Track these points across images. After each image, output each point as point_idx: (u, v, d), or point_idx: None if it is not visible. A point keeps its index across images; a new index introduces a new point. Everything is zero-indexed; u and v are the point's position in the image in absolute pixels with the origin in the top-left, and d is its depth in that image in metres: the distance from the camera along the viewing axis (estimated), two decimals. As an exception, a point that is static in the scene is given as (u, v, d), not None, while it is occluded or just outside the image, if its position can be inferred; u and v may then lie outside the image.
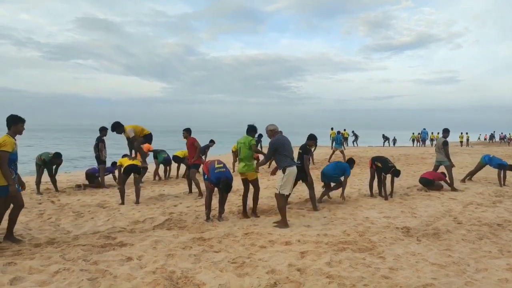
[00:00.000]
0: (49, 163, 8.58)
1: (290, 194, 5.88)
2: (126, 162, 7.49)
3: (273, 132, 5.95)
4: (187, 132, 8.36)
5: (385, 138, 35.88)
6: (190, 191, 8.69)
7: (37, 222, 5.86)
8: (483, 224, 5.88)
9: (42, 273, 3.54)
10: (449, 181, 9.06)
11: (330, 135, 17.57)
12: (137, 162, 7.57)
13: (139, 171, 7.59)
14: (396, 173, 8.03)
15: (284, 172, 5.61)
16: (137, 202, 7.45)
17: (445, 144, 9.33)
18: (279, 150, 5.70)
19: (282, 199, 5.70)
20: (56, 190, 8.79)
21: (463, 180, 10.30)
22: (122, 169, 7.43)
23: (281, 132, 6.56)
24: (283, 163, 5.65)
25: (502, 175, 9.89)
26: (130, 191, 8.90)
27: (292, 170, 5.70)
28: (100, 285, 3.35)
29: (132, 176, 7.53)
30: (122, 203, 7.33)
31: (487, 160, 10.31)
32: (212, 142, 13.35)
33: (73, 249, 4.33)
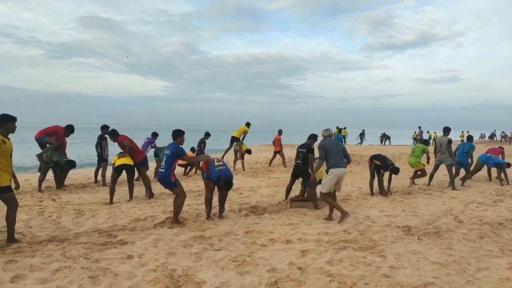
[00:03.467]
0: (60, 166, 8.53)
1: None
2: (118, 161, 7.48)
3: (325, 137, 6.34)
4: (113, 135, 7.96)
5: (386, 137, 35.77)
6: (151, 195, 7.97)
7: (38, 220, 5.87)
8: (484, 223, 5.88)
9: (43, 271, 3.55)
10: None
11: (334, 133, 17.64)
12: (129, 161, 7.56)
13: (131, 169, 7.59)
14: (395, 170, 8.11)
15: (327, 172, 6.05)
16: (130, 198, 7.59)
17: (450, 142, 9.21)
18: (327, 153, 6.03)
19: (327, 196, 6.05)
20: (57, 188, 8.80)
21: (462, 184, 9.80)
22: (113, 167, 7.47)
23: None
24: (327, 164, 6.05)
25: (503, 174, 9.86)
26: (136, 190, 8.89)
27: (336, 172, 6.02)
28: (101, 283, 3.35)
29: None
30: (110, 202, 7.28)
31: (484, 160, 10.21)
32: (207, 135, 12.38)
33: (74, 247, 4.33)
